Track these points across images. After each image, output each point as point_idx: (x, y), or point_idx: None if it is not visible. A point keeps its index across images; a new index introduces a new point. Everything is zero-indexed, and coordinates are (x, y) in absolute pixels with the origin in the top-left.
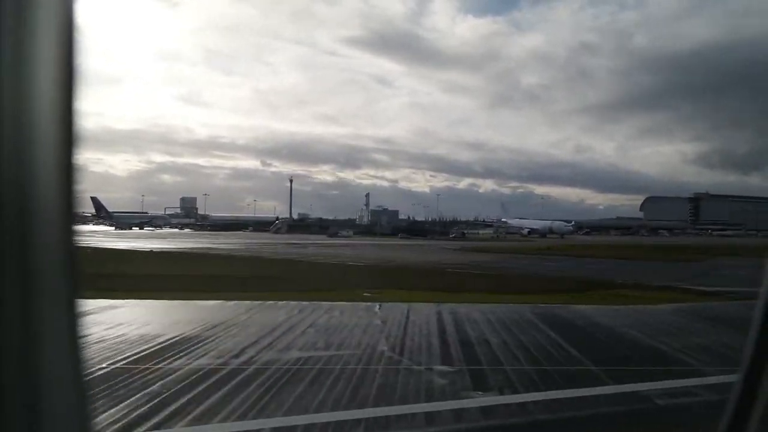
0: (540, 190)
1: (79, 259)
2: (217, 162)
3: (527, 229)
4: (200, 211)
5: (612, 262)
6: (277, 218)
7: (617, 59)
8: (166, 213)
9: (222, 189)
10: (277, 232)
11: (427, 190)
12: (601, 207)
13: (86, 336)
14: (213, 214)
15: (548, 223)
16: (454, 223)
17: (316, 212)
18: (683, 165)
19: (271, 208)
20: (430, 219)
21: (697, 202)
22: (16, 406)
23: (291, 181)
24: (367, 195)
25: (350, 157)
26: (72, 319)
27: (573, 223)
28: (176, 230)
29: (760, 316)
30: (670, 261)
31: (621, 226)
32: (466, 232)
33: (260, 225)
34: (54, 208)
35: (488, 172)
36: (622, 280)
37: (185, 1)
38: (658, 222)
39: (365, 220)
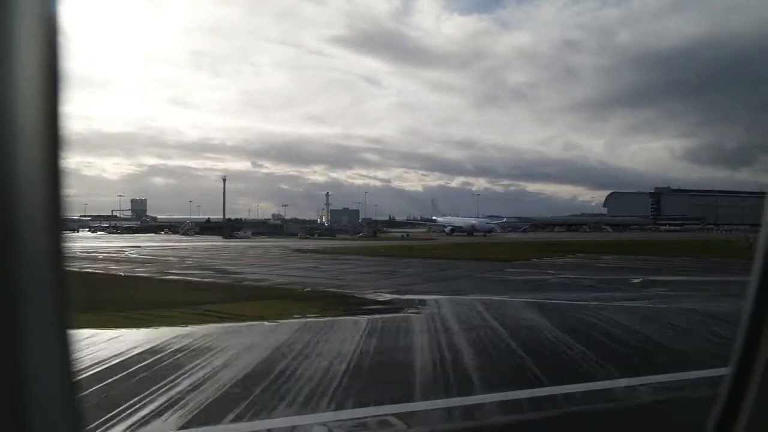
0: (532, 187)
1: (67, 264)
2: (209, 164)
3: (450, 227)
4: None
5: (421, 263)
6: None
7: (602, 57)
8: (113, 214)
9: (214, 191)
10: (185, 233)
11: (420, 189)
12: (593, 203)
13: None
14: (160, 216)
15: (472, 220)
16: (406, 222)
17: (309, 213)
18: (672, 161)
19: (266, 209)
20: (411, 218)
21: (659, 196)
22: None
23: (224, 180)
24: (327, 194)
25: (341, 157)
26: (62, 326)
27: (505, 219)
28: (89, 233)
29: (750, 309)
30: (490, 260)
31: (573, 222)
32: (385, 229)
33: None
34: (41, 213)
35: (480, 171)
36: (316, 288)
37: (170, 2)
38: (620, 217)
39: (325, 220)
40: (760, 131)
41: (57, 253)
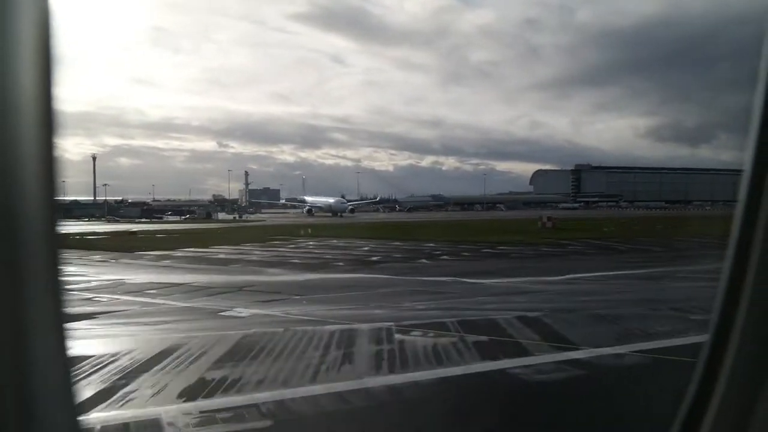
0: (501, 166)
1: (61, 248)
2: (175, 144)
3: (307, 207)
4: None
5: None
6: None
7: (563, 35)
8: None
9: (181, 172)
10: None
11: (390, 168)
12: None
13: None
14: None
15: (330, 200)
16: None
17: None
18: (636, 139)
19: (233, 190)
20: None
21: (579, 174)
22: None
23: (94, 158)
24: (246, 174)
25: (309, 137)
26: (58, 308)
27: (378, 197)
28: None
29: (724, 287)
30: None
31: (498, 200)
32: (251, 210)
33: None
34: (35, 198)
35: (449, 150)
36: None
37: None
38: (541, 195)
39: (243, 200)
40: (717, 110)
41: (53, 242)
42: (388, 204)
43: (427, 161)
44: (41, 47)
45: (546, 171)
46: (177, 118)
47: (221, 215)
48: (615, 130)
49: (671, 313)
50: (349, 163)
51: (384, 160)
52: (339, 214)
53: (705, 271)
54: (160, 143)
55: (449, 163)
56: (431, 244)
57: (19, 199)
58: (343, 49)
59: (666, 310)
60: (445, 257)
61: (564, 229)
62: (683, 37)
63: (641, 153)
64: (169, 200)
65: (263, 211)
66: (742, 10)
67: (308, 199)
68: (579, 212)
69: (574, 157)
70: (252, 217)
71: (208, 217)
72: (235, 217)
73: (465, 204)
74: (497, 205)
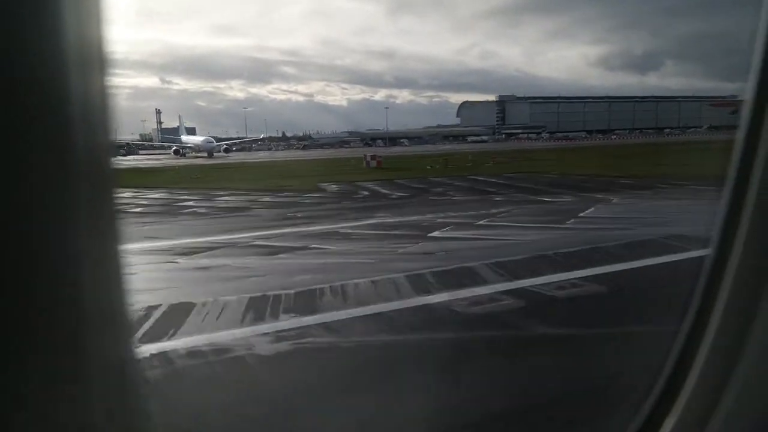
0: (456, 98)
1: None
2: (116, 81)
3: (174, 147)
4: None
5: None
6: None
7: None
8: None
9: (125, 110)
10: None
11: (344, 103)
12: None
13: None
14: None
15: (198, 139)
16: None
17: (230, 131)
18: (587, 68)
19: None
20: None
21: (503, 105)
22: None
23: None
24: (158, 112)
25: (257, 71)
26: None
27: (262, 136)
28: None
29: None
30: None
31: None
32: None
33: None
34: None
35: (402, 83)
36: None
37: None
38: (467, 128)
39: (157, 139)
40: (664, 37)
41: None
42: (300, 141)
43: (380, 95)
44: None
45: (472, 103)
46: (113, 52)
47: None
48: (567, 59)
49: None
50: (301, 98)
51: (337, 95)
52: (211, 154)
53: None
54: None
55: (403, 96)
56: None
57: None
58: None
59: None
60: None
61: (388, 169)
62: None
63: (594, 82)
64: None
65: (140, 152)
66: None
67: (183, 138)
68: (482, 146)
69: (527, 87)
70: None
71: None
72: None
73: (370, 139)
74: (400, 140)
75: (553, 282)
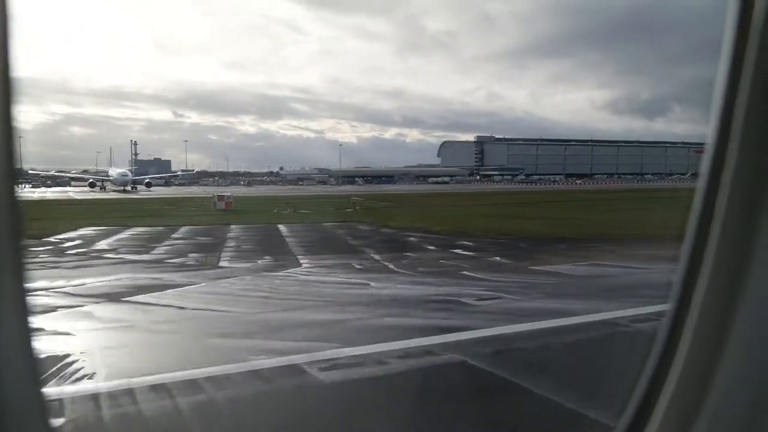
0: (464, 138)
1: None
2: (129, 113)
3: (91, 179)
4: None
5: None
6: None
7: (516, 3)
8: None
9: (137, 142)
10: None
11: (354, 140)
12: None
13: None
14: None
15: (115, 173)
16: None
17: (239, 164)
18: (593, 111)
19: (195, 161)
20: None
21: (482, 146)
22: None
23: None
24: (135, 143)
25: (268, 107)
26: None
27: (178, 171)
28: None
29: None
30: None
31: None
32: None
33: None
34: None
35: (410, 122)
36: None
37: None
38: (445, 168)
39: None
40: (669, 82)
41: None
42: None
43: (390, 133)
44: None
45: (452, 142)
46: (126, 86)
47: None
48: (572, 102)
49: None
50: (312, 135)
51: (347, 132)
52: (126, 188)
53: None
54: (114, 112)
55: (412, 135)
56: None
57: None
58: (297, 17)
59: None
60: None
61: (239, 212)
62: (635, 8)
63: (600, 125)
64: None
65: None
66: None
67: (110, 171)
68: (436, 187)
69: (534, 129)
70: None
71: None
72: None
73: (348, 177)
74: (356, 179)
75: None
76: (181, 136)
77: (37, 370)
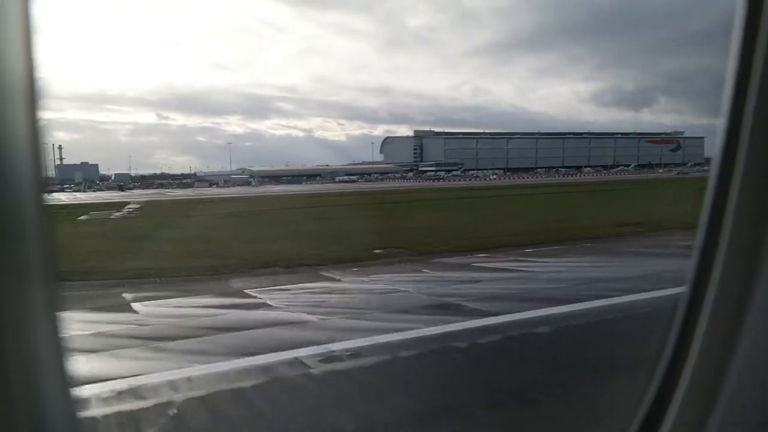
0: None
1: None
2: (114, 117)
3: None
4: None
5: None
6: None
7: None
8: None
9: (125, 146)
10: None
11: (343, 138)
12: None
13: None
14: None
15: None
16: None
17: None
18: (579, 104)
19: (184, 163)
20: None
21: (421, 140)
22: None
23: None
24: (60, 147)
25: (254, 107)
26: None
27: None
28: None
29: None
30: None
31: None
32: None
33: None
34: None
35: (399, 118)
36: None
37: None
38: (385, 165)
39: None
40: (653, 73)
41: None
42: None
43: (380, 130)
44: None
45: (393, 138)
46: (109, 90)
47: None
48: (558, 95)
49: None
50: (301, 134)
51: (335, 130)
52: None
53: None
54: (99, 116)
55: (402, 131)
56: None
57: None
58: (280, 15)
59: None
60: None
61: None
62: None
63: (587, 118)
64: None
65: None
66: None
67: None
68: (344, 185)
69: (522, 122)
70: None
71: None
72: None
73: (270, 177)
74: (283, 177)
75: None
76: (169, 138)
77: (69, 382)
